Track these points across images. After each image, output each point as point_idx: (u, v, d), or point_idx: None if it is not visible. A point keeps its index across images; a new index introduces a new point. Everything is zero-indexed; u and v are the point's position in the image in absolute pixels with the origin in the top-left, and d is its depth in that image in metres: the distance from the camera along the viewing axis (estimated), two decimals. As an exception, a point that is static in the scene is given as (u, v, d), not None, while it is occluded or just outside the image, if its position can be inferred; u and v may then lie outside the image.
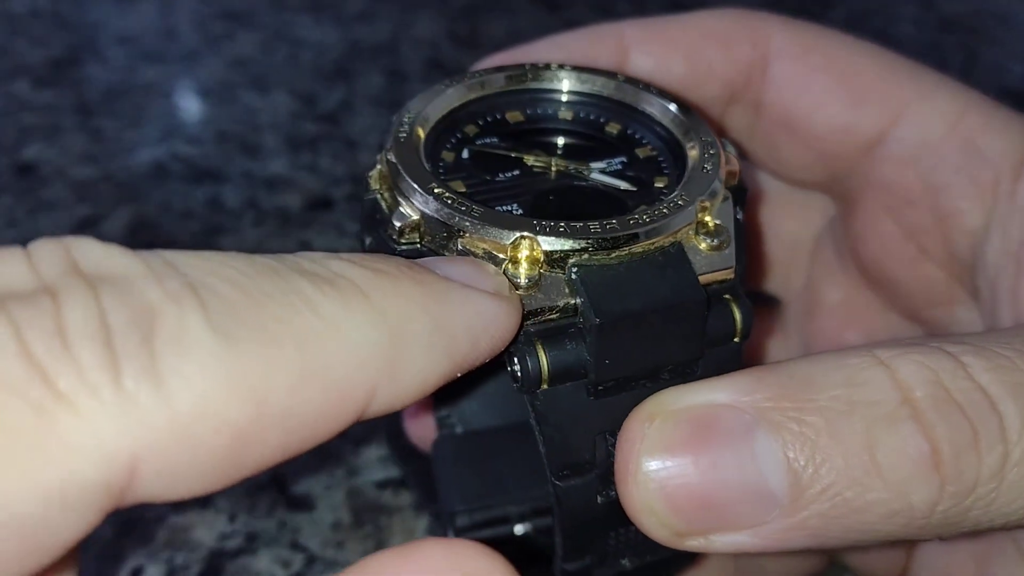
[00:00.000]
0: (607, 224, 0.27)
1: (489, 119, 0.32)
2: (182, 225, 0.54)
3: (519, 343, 0.26)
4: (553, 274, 0.26)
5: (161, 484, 0.19)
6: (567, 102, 0.33)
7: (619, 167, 0.31)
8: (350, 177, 0.59)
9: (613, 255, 0.26)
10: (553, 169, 0.31)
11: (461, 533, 0.36)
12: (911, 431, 0.24)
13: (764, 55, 0.35)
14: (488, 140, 0.31)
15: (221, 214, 0.55)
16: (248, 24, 0.74)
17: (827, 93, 0.35)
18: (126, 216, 0.54)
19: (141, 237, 0.53)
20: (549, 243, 0.26)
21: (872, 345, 0.26)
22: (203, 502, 0.40)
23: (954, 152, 0.33)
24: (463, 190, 0.28)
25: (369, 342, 0.21)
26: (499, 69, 0.33)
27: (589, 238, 0.26)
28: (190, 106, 0.66)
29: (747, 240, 0.30)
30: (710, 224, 0.28)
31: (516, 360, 0.26)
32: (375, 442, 0.43)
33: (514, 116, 0.32)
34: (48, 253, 0.19)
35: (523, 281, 0.26)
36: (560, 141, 0.32)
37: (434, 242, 0.27)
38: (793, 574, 0.37)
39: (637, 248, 0.27)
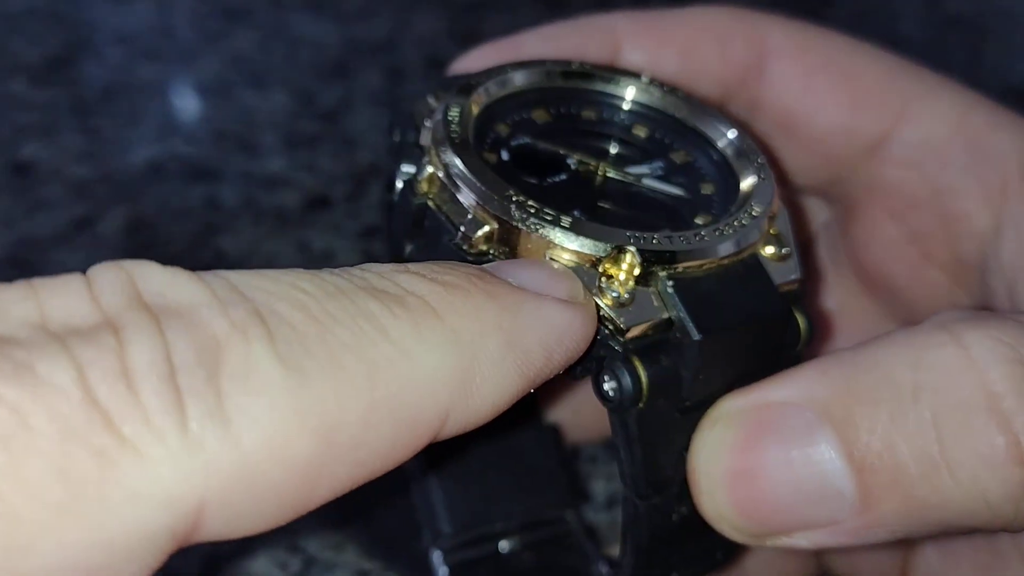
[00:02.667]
0: (697, 235, 0.26)
1: (518, 118, 0.31)
2: (179, 224, 0.54)
3: (613, 360, 0.25)
4: (642, 288, 0.25)
5: (227, 525, 0.18)
6: (590, 101, 0.32)
7: (660, 172, 0.30)
8: (349, 176, 0.59)
9: (703, 268, 0.26)
10: (599, 173, 0.30)
11: (447, 554, 0.36)
12: (984, 422, 0.22)
13: (761, 54, 0.34)
14: (523, 140, 0.30)
15: (219, 213, 0.55)
16: (246, 22, 0.73)
17: (827, 94, 0.34)
18: (123, 215, 0.54)
19: (138, 236, 0.53)
20: (646, 256, 0.25)
21: (946, 315, 0.25)
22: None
23: (959, 153, 0.32)
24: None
25: (442, 366, 0.20)
26: (518, 65, 0.31)
27: (684, 250, 0.25)
28: (188, 105, 0.65)
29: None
30: (774, 233, 0.28)
31: (610, 378, 0.25)
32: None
33: (540, 115, 0.31)
34: (110, 282, 0.19)
35: (624, 296, 0.25)
36: (596, 143, 0.31)
37: (514, 253, 0.25)
38: None
39: (724, 261, 0.26)
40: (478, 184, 0.26)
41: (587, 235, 0.25)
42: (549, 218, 0.25)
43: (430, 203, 0.27)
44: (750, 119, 0.35)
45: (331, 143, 0.62)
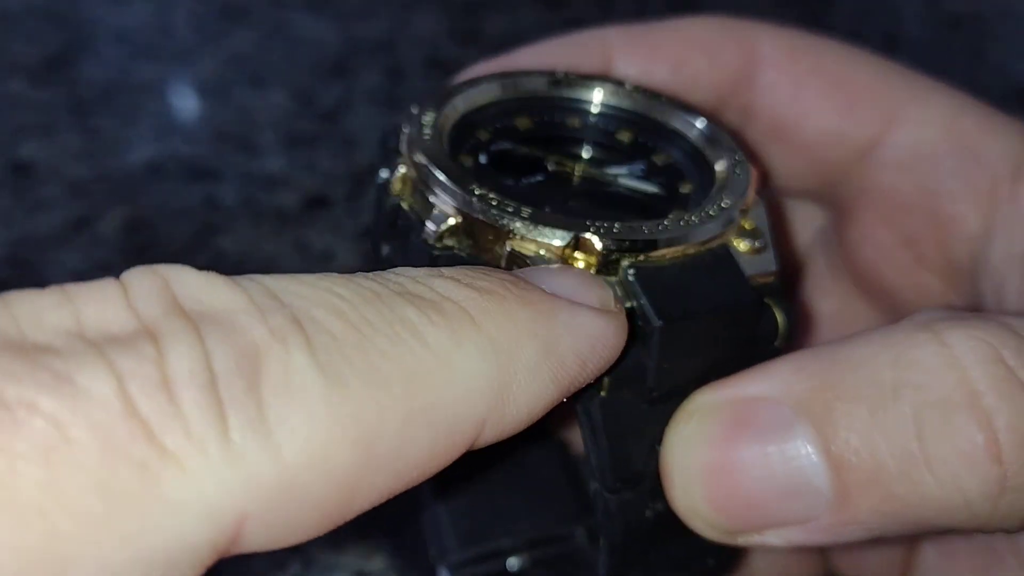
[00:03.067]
0: (660, 225, 0.26)
1: (502, 125, 0.31)
2: (178, 224, 0.54)
3: None
4: (605, 278, 0.25)
5: (267, 536, 0.18)
6: (580, 110, 0.32)
7: (640, 173, 0.31)
8: (349, 176, 0.59)
9: (667, 257, 0.26)
10: (576, 174, 0.30)
11: (455, 572, 0.35)
12: (964, 419, 0.22)
13: (752, 62, 0.35)
14: (503, 145, 0.30)
15: (218, 213, 0.55)
16: (245, 21, 0.73)
17: (819, 99, 0.34)
18: (121, 215, 0.54)
19: (137, 236, 0.53)
20: (605, 244, 0.25)
21: (928, 314, 0.25)
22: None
23: (950, 156, 0.32)
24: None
25: (479, 375, 0.20)
26: (495, 76, 0.32)
27: (645, 239, 0.26)
28: (186, 104, 0.65)
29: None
30: (749, 227, 0.28)
31: None
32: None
33: (523, 123, 0.31)
34: (146, 288, 0.18)
35: None
36: (574, 147, 0.32)
37: (477, 246, 0.26)
38: None
39: (689, 250, 0.26)
40: (443, 180, 0.26)
41: (547, 224, 0.25)
42: (510, 210, 0.25)
43: (403, 204, 0.27)
44: (743, 127, 0.36)
45: (330, 143, 0.61)
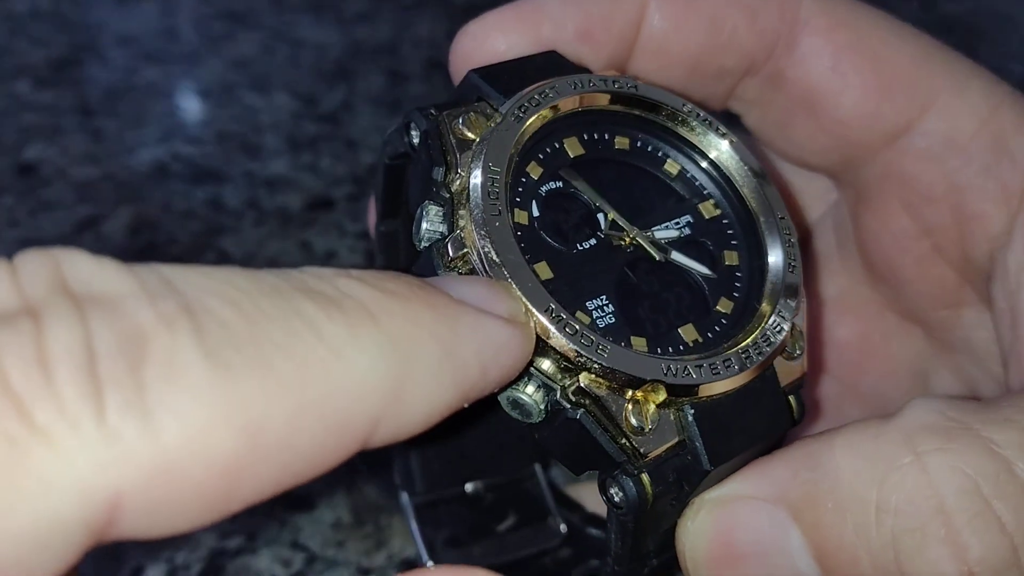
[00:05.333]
0: (726, 362, 0.27)
1: (550, 149, 0.29)
2: (183, 225, 0.54)
3: (623, 474, 0.25)
4: (663, 410, 0.26)
5: (146, 521, 0.18)
6: (620, 123, 0.31)
7: (688, 230, 0.30)
8: (351, 177, 0.59)
9: (725, 392, 0.27)
10: (628, 240, 0.29)
11: (417, 496, 0.36)
12: (939, 553, 0.23)
13: (792, 26, 0.33)
14: (554, 184, 0.29)
15: (222, 214, 0.55)
16: (249, 24, 0.74)
17: (856, 76, 0.33)
18: (127, 216, 0.54)
19: (142, 237, 0.53)
20: (675, 389, 0.25)
21: (917, 417, 0.25)
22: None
23: (982, 151, 0.31)
24: (550, 276, 0.26)
25: (374, 370, 0.20)
26: (571, 86, 0.29)
27: (710, 382, 0.26)
28: (191, 106, 0.66)
29: None
30: (794, 333, 0.29)
31: (617, 489, 0.26)
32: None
33: (573, 146, 0.30)
34: (35, 269, 0.18)
35: (648, 426, 0.25)
36: (621, 177, 0.30)
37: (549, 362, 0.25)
38: None
39: (747, 381, 0.27)
40: (519, 292, 0.25)
41: (623, 367, 0.25)
42: (587, 344, 0.25)
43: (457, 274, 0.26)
44: (770, 92, 0.34)
45: (333, 144, 0.62)
